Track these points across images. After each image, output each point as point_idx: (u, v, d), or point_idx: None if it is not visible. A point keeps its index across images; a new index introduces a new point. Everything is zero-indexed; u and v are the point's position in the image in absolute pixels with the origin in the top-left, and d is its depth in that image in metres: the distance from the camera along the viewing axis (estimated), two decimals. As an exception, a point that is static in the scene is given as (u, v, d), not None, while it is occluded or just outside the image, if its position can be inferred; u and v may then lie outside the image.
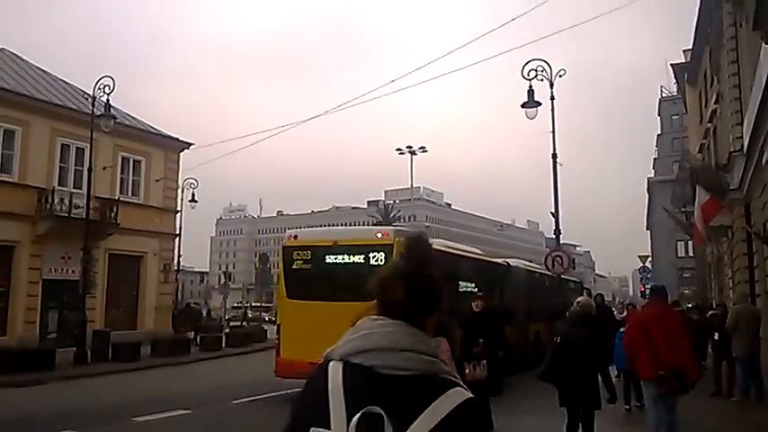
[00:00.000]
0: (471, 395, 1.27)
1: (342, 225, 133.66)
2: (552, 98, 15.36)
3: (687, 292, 50.68)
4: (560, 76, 15.32)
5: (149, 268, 23.54)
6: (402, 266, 1.42)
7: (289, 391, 9.87)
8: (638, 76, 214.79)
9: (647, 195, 69.93)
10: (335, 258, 10.77)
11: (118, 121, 23.09)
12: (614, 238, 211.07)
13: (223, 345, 21.80)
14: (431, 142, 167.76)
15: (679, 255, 60.62)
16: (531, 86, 15.23)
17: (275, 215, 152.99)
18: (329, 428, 1.22)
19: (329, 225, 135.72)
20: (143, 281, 23.34)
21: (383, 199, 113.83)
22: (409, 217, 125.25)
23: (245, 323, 36.64)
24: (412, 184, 56.77)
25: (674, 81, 43.89)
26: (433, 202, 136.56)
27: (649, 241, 70.37)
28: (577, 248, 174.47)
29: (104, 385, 13.29)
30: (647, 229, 73.51)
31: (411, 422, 1.19)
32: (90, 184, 18.01)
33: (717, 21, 19.57)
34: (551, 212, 15.10)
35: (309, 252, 11.18)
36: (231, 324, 33.91)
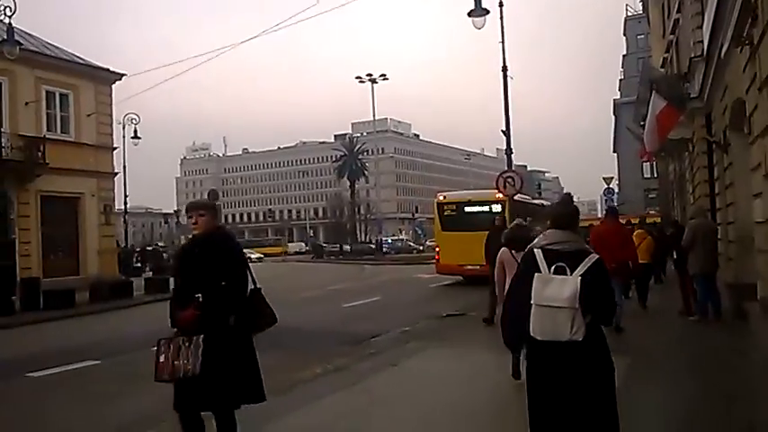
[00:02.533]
0: (598, 257, 3.30)
1: (308, 160, 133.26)
2: (501, 4, 14.14)
3: (652, 212, 51.07)
4: (510, -20, 14.03)
5: (88, 210, 22.12)
6: (557, 208, 3.54)
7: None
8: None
9: (613, 118, 69.45)
10: (470, 208, 19.24)
11: (37, 50, 21.27)
12: (583, 163, 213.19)
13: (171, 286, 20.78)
14: (392, 69, 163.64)
15: (645, 176, 60.82)
16: (476, -9, 13.93)
17: (241, 153, 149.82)
18: (540, 272, 3.23)
19: (296, 161, 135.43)
20: (82, 223, 21.96)
21: (350, 132, 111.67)
22: (377, 149, 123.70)
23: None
24: (374, 114, 54.83)
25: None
26: (401, 134, 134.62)
27: (616, 164, 70.49)
28: (546, 174, 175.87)
29: (18, 336, 12.25)
30: (614, 151, 73.50)
31: (575, 268, 3.20)
32: None
33: None
34: (502, 130, 14.15)
35: (454, 205, 20.20)
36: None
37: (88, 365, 8.58)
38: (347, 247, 58.02)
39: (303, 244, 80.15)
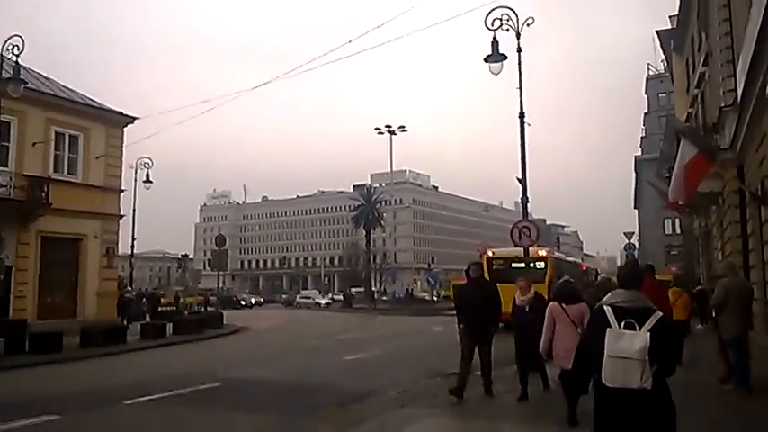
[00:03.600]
0: (663, 314, 3.69)
1: (326, 209, 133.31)
2: (519, 50, 13.49)
3: (674, 269, 49.52)
4: (528, 24, 13.43)
5: (90, 251, 21.49)
6: (625, 271, 4.00)
7: (183, 391, 9.66)
8: (626, 53, 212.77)
9: (634, 174, 68.62)
10: (516, 264, 19.05)
11: (50, 92, 21.19)
12: (602, 219, 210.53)
13: (169, 332, 19.91)
14: (413, 118, 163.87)
15: (666, 232, 59.63)
16: (495, 37, 13.32)
17: (260, 201, 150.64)
18: (611, 327, 3.61)
19: (314, 210, 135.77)
20: (83, 265, 21.27)
21: (368, 183, 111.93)
22: (395, 200, 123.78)
23: (204, 308, 34.59)
24: (391, 165, 55.27)
25: (662, 55, 42.33)
26: (419, 185, 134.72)
27: (637, 220, 69.28)
28: (565, 228, 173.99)
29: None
30: (635, 207, 72.30)
31: (642, 323, 3.58)
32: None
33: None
34: (518, 178, 13.28)
35: (502, 260, 21.61)
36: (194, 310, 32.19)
37: (44, 420, 7.65)
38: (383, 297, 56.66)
39: (317, 292, 78.99)
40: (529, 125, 13.17)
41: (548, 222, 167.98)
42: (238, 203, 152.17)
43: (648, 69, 68.63)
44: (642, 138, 72.62)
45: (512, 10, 13.26)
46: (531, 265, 19.81)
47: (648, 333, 3.60)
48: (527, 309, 8.14)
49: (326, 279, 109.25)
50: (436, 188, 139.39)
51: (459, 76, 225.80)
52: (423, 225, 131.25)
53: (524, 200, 13.38)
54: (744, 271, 12.63)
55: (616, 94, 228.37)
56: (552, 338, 6.90)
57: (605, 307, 3.80)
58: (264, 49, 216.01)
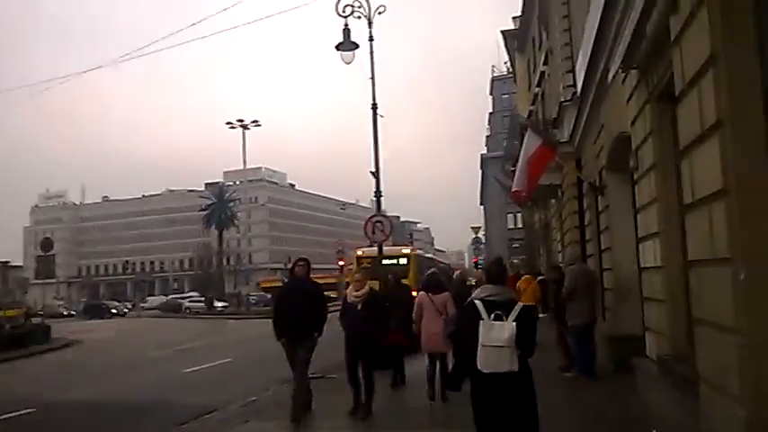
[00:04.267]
0: (524, 304, 4.43)
1: (175, 209, 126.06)
2: (371, 39, 13.14)
3: (516, 261, 52.70)
4: (380, 13, 13.10)
5: None
6: (492, 267, 4.67)
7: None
8: (477, 53, 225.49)
9: (480, 171, 72.30)
10: (384, 261, 17.79)
11: None
12: (452, 215, 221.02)
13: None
14: (267, 116, 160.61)
15: (509, 226, 63.39)
16: (346, 24, 12.84)
17: (101, 201, 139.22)
18: (482, 319, 4.14)
19: (162, 209, 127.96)
20: None
21: (222, 180, 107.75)
22: (249, 198, 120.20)
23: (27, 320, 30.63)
24: (244, 162, 52.62)
25: (506, 56, 44.72)
26: (276, 183, 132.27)
27: (483, 215, 73.06)
28: (418, 225, 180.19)
29: None
30: (482, 204, 76.29)
31: (508, 314, 4.14)
32: None
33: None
34: (371, 171, 12.94)
35: (371, 258, 20.39)
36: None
37: None
38: (221, 303, 53.41)
39: (164, 297, 74.29)
40: (381, 116, 12.89)
41: (401, 219, 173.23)
42: (75, 204, 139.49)
43: (493, 71, 72.43)
44: (488, 136, 76.79)
45: (363, -3, 12.86)
46: (397, 261, 22.76)
47: (514, 322, 4.15)
48: (359, 307, 7.19)
49: (176, 283, 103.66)
50: (293, 186, 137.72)
51: (314, 67, 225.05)
52: (279, 224, 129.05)
53: (378, 194, 13.06)
54: (582, 260, 13.28)
55: (467, 94, 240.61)
56: (420, 325, 7.79)
57: (476, 301, 4.33)
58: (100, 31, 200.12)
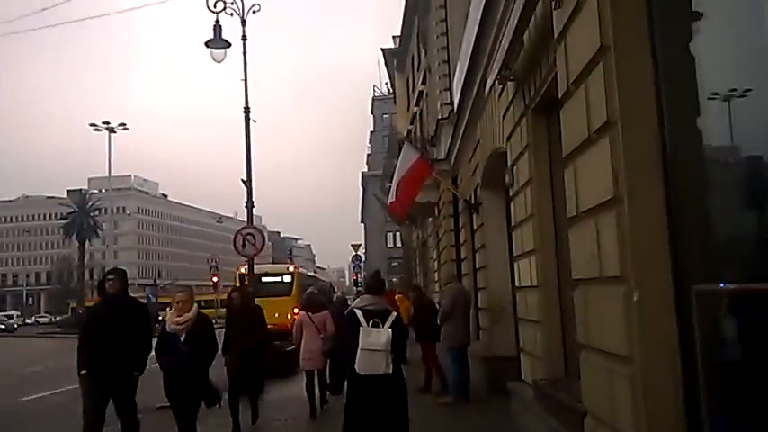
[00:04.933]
0: (397, 313, 4.93)
1: (32, 217, 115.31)
2: (244, 38, 12.39)
3: (395, 280, 53.26)
4: (254, 12, 12.40)
5: None
6: (370, 279, 5.33)
7: None
8: (362, 69, 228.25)
9: (361, 189, 72.60)
10: (266, 279, 21.29)
11: None
12: (334, 233, 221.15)
13: None
14: (137, 119, 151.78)
15: (389, 245, 63.95)
16: (217, 20, 12.00)
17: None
18: (362, 326, 4.64)
19: (16, 217, 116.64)
20: None
21: (86, 188, 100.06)
22: (117, 208, 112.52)
23: None
24: (110, 168, 49.08)
25: (387, 76, 45.22)
26: (147, 193, 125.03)
27: (363, 233, 73.31)
28: (299, 241, 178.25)
29: None
30: (362, 222, 76.60)
31: (384, 322, 4.67)
32: None
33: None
34: (242, 180, 12.08)
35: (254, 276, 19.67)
36: None
37: None
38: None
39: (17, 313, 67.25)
40: (254, 121, 12.13)
41: (282, 235, 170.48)
42: None
43: (374, 90, 73.30)
44: (368, 155, 77.44)
45: (236, -6, 12.09)
46: (281, 279, 23.25)
47: (390, 329, 4.65)
48: (181, 338, 5.68)
49: (30, 299, 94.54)
50: (165, 196, 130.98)
51: (188, 69, 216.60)
52: (149, 236, 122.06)
53: (249, 204, 12.21)
54: (458, 279, 13.20)
55: (350, 112, 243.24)
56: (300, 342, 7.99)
57: (356, 310, 4.85)
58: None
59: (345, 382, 5.02)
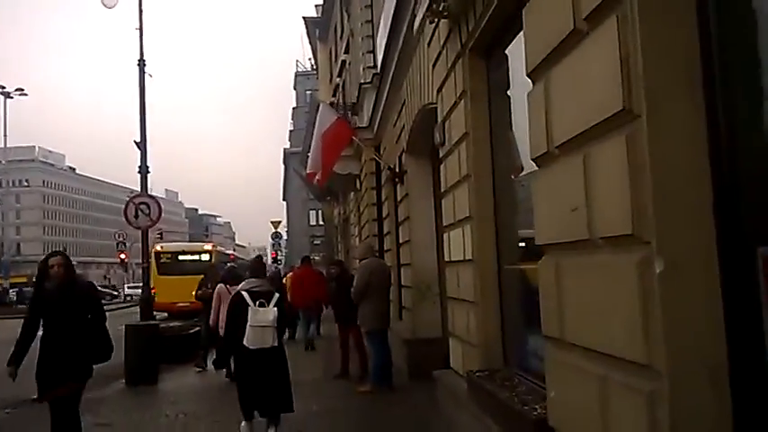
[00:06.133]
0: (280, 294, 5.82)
1: None
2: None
3: (317, 258, 52.18)
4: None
5: None
6: (255, 264, 6.11)
7: None
8: (284, 45, 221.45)
9: (283, 167, 70.66)
10: (183, 257, 24.83)
11: None
12: (256, 210, 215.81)
13: None
14: (37, 85, 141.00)
15: (311, 223, 62.63)
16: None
17: None
18: (249, 305, 5.34)
19: None
20: None
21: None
22: (18, 181, 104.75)
23: None
24: (5, 137, 44.85)
25: (310, 50, 43.50)
26: (52, 165, 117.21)
27: (285, 211, 71.62)
28: (218, 219, 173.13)
29: None
30: (284, 200, 74.73)
31: (269, 301, 5.43)
32: None
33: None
34: (135, 141, 10.61)
35: (170, 254, 25.16)
36: None
37: None
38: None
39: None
40: (150, 76, 10.66)
41: (200, 212, 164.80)
42: None
43: (297, 65, 71.20)
44: (291, 131, 75.36)
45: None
46: (198, 257, 24.46)
47: (275, 308, 5.40)
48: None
49: None
50: (73, 169, 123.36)
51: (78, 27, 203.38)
52: (55, 211, 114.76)
53: (143, 168, 10.80)
54: (379, 256, 12.30)
55: (273, 87, 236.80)
56: (219, 315, 7.91)
57: (243, 292, 5.51)
58: None
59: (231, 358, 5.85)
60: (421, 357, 7.44)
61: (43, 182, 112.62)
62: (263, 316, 5.27)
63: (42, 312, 4.66)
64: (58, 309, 4.58)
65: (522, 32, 4.06)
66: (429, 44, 6.10)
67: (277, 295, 5.55)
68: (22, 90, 43.39)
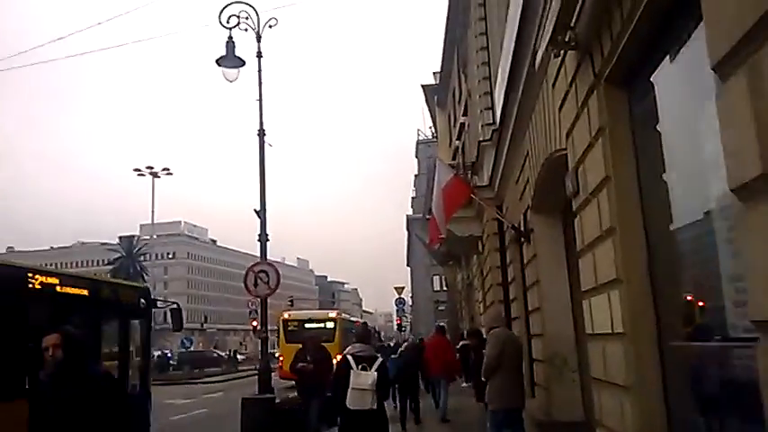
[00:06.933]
0: (383, 359, 6.26)
1: (86, 263, 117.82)
2: (259, 55, 11.17)
3: (442, 324, 51.02)
4: (270, 26, 11.22)
5: None
6: (360, 330, 6.83)
7: None
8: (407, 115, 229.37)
9: (406, 233, 71.14)
10: (310, 325, 24.85)
11: None
12: (380, 276, 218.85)
13: None
14: (176, 163, 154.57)
15: (435, 288, 61.79)
16: (230, 36, 10.86)
17: (4, 251, 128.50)
18: (352, 369, 5.77)
19: (72, 263, 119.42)
20: None
21: (138, 234, 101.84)
22: (167, 254, 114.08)
23: None
24: (153, 212, 48.66)
25: (431, 121, 44.06)
26: (196, 239, 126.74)
27: (409, 277, 71.57)
28: (345, 286, 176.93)
29: None
30: (408, 265, 74.87)
31: (371, 365, 5.83)
32: None
33: (463, 15, 17.50)
34: (255, 210, 10.66)
35: (297, 322, 25.85)
36: None
37: None
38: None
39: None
40: (270, 145, 10.79)
41: (328, 279, 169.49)
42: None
43: (418, 134, 72.61)
44: (413, 198, 76.15)
45: (251, 7, 10.96)
46: (324, 325, 24.79)
47: (376, 372, 5.77)
48: None
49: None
50: (214, 242, 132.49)
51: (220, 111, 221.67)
52: (198, 281, 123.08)
53: (263, 236, 10.74)
54: (506, 324, 11.32)
55: (397, 156, 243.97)
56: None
57: (348, 356, 5.97)
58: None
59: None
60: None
61: (188, 254, 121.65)
62: (363, 379, 5.67)
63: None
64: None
65: (666, 59, 3.32)
66: (554, 84, 5.41)
67: (380, 360, 5.96)
68: (168, 169, 47.30)
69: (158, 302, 10.79)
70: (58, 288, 8.16)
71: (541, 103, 6.27)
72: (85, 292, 8.85)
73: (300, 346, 10.53)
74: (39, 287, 7.88)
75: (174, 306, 11.23)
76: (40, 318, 7.50)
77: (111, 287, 10.48)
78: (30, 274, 7.88)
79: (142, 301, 10.41)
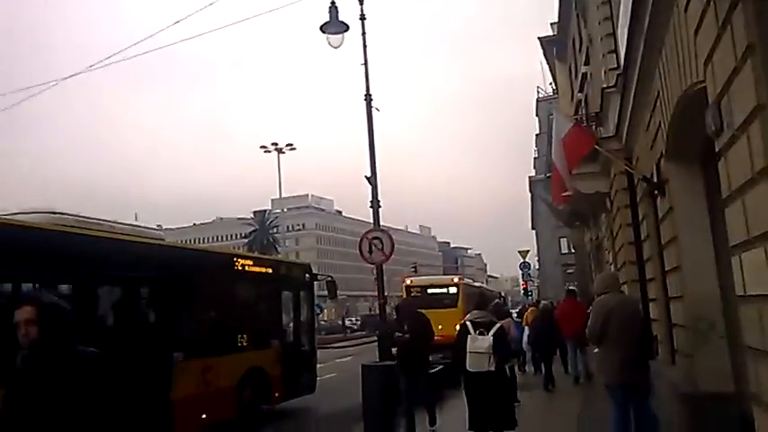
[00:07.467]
0: (501, 325, 6.67)
1: (225, 237, 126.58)
2: (362, 17, 10.89)
3: (572, 288, 49.23)
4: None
5: None
6: (478, 299, 7.28)
7: None
8: (523, 73, 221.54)
9: (529, 194, 69.01)
10: (432, 290, 24.52)
11: None
12: (504, 240, 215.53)
13: None
14: (297, 138, 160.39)
15: (562, 251, 59.60)
16: (333, 1, 10.66)
17: (156, 228, 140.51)
18: (470, 333, 6.37)
19: (212, 237, 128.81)
20: None
21: (269, 208, 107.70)
22: (297, 225, 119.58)
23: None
24: (280, 187, 51.42)
25: (550, 77, 41.79)
26: (323, 210, 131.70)
27: (535, 240, 69.69)
28: (468, 251, 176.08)
29: None
30: (533, 228, 72.87)
31: (489, 330, 6.36)
32: None
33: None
34: (366, 177, 10.53)
35: (419, 287, 25.28)
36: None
37: None
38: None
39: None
40: (377, 110, 10.55)
41: (451, 245, 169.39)
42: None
43: (538, 92, 69.49)
44: (535, 158, 73.46)
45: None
46: (447, 291, 24.77)
47: (492, 337, 6.23)
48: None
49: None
50: (340, 212, 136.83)
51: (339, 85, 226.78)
52: (327, 251, 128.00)
53: (375, 203, 10.63)
54: (640, 286, 10.39)
55: (516, 116, 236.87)
56: None
57: (467, 322, 6.51)
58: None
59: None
60: (704, 416, 5.69)
61: (316, 224, 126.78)
62: (479, 343, 6.13)
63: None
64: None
65: None
66: (686, 8, 4.63)
67: (498, 325, 6.38)
68: (292, 145, 49.10)
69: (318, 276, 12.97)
70: (248, 268, 10.92)
71: (672, 33, 5.43)
72: (270, 270, 11.61)
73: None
74: (239, 268, 10.67)
75: (329, 278, 13.85)
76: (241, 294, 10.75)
77: (285, 265, 13.09)
78: (234, 258, 10.91)
79: (306, 275, 12.91)
